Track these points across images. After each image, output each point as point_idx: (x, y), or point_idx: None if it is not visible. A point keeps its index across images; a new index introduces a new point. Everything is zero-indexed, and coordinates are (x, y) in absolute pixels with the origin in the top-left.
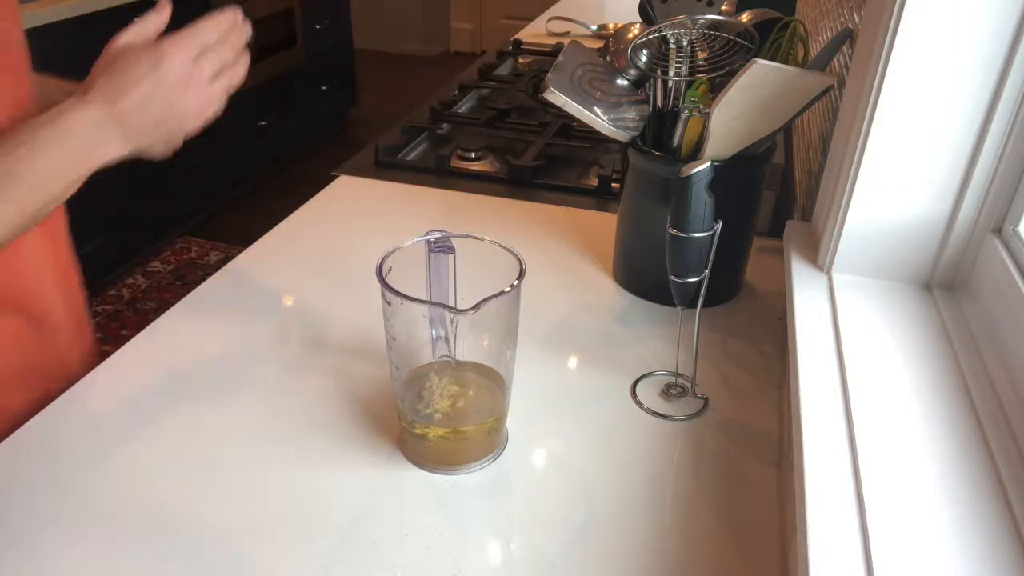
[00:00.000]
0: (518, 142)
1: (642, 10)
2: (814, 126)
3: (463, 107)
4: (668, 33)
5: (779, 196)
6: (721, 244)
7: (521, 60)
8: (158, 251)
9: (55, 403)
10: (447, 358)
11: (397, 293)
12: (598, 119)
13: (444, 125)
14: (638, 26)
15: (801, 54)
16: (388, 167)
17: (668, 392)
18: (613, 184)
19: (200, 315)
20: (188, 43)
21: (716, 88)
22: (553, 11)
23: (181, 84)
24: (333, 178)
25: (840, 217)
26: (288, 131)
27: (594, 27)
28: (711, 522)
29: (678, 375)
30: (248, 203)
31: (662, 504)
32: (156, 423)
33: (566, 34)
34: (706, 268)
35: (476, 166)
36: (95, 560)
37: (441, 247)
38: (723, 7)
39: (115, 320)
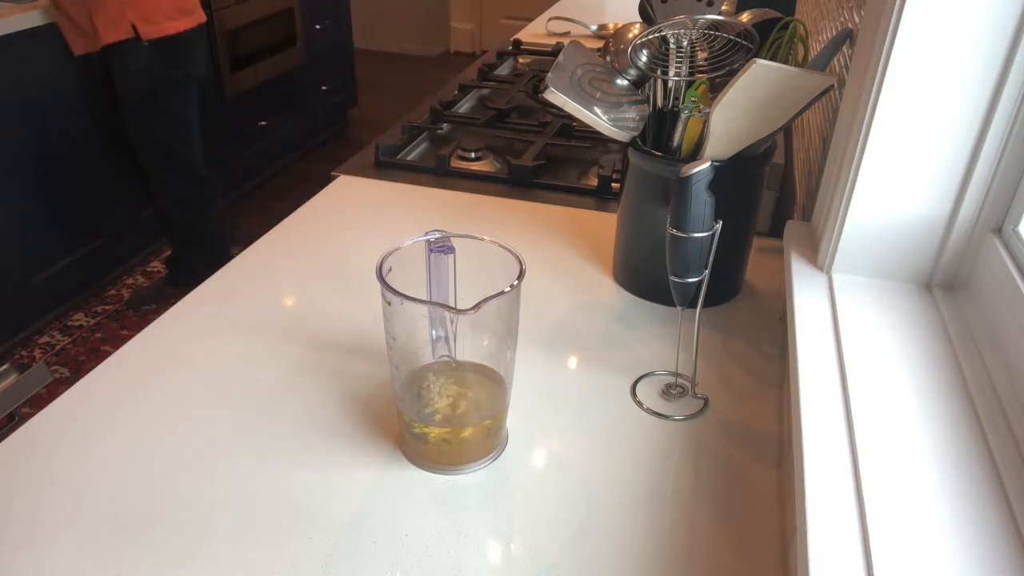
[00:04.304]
0: (518, 142)
1: (642, 10)
2: (814, 126)
3: (463, 107)
4: (668, 33)
5: (779, 196)
6: (721, 244)
7: (521, 60)
8: (158, 251)
9: (55, 402)
10: (447, 358)
11: (397, 293)
12: (598, 119)
13: (444, 125)
14: (638, 26)
15: (801, 54)
16: (388, 167)
17: (668, 392)
18: (613, 184)
19: (200, 315)
20: None
21: (716, 88)
22: (553, 11)
23: None
24: (333, 178)
25: (840, 217)
26: (288, 131)
27: (594, 27)
28: (711, 522)
29: (678, 375)
30: (248, 203)
31: (662, 504)
32: (156, 423)
33: (566, 34)
34: (706, 268)
35: (476, 166)
36: (95, 560)
37: (441, 247)
38: (723, 7)
39: (115, 320)
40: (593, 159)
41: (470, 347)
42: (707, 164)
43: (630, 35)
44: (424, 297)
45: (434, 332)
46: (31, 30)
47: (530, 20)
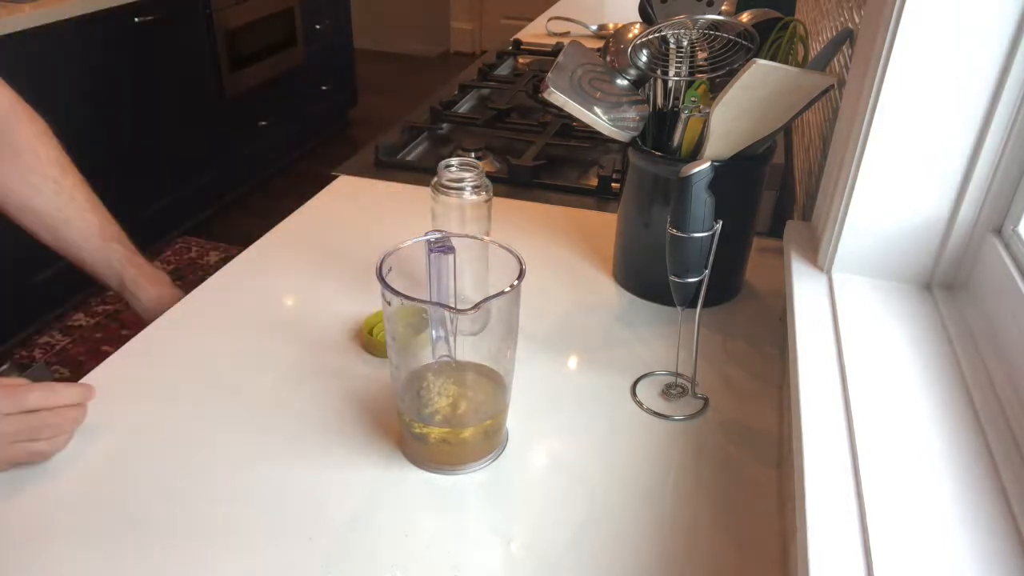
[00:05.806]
0: (518, 142)
1: (642, 10)
2: (814, 126)
3: (463, 107)
4: (668, 33)
5: (779, 196)
6: (721, 244)
7: (521, 60)
8: (158, 251)
9: None
10: (447, 358)
11: (397, 293)
12: (598, 119)
13: (444, 125)
14: (638, 26)
15: (801, 54)
16: (388, 167)
17: (668, 392)
18: (613, 184)
19: (200, 315)
20: (6, 400)
21: (716, 88)
22: (553, 11)
23: None
24: (333, 178)
25: (840, 217)
26: (288, 131)
27: (594, 27)
28: (711, 522)
29: (678, 375)
30: (248, 203)
31: (662, 504)
32: (156, 423)
33: (566, 34)
34: (706, 268)
35: None
36: (95, 560)
37: (441, 247)
38: (723, 7)
39: (115, 320)
40: (593, 159)
41: (470, 347)
42: (707, 164)
43: (630, 35)
44: (424, 297)
45: (434, 332)
46: (31, 29)
47: (530, 20)
